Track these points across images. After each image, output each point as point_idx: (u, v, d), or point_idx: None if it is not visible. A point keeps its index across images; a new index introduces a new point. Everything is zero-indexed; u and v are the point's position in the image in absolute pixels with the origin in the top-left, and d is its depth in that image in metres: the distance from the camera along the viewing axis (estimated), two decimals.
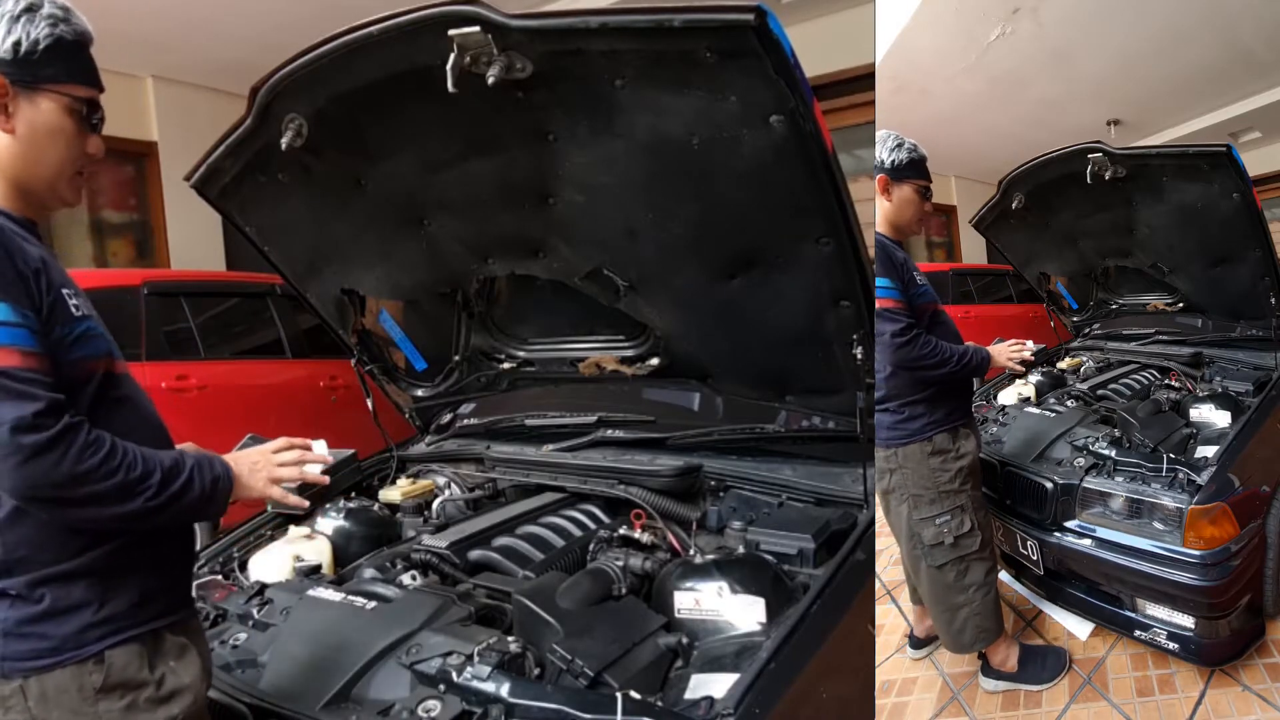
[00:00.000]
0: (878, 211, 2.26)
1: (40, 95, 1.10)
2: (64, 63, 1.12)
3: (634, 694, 1.22)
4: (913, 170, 2.24)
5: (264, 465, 1.19)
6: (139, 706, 1.04)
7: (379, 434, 2.34)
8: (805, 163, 1.49)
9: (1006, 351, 2.36)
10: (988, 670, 2.36)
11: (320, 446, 1.66)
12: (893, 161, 2.23)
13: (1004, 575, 2.90)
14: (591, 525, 1.93)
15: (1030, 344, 2.41)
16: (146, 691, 1.05)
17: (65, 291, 1.07)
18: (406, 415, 2.50)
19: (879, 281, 2.04)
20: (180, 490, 1.06)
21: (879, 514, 2.10)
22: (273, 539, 1.91)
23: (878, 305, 1.99)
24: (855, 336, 1.77)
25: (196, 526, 1.32)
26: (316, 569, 1.76)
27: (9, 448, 0.93)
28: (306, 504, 1.24)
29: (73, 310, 1.07)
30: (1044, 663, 2.38)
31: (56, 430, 0.95)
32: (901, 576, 3.06)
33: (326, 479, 1.28)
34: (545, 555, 1.77)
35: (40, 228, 1.15)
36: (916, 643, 2.60)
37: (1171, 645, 2.25)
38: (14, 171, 1.11)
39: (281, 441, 1.24)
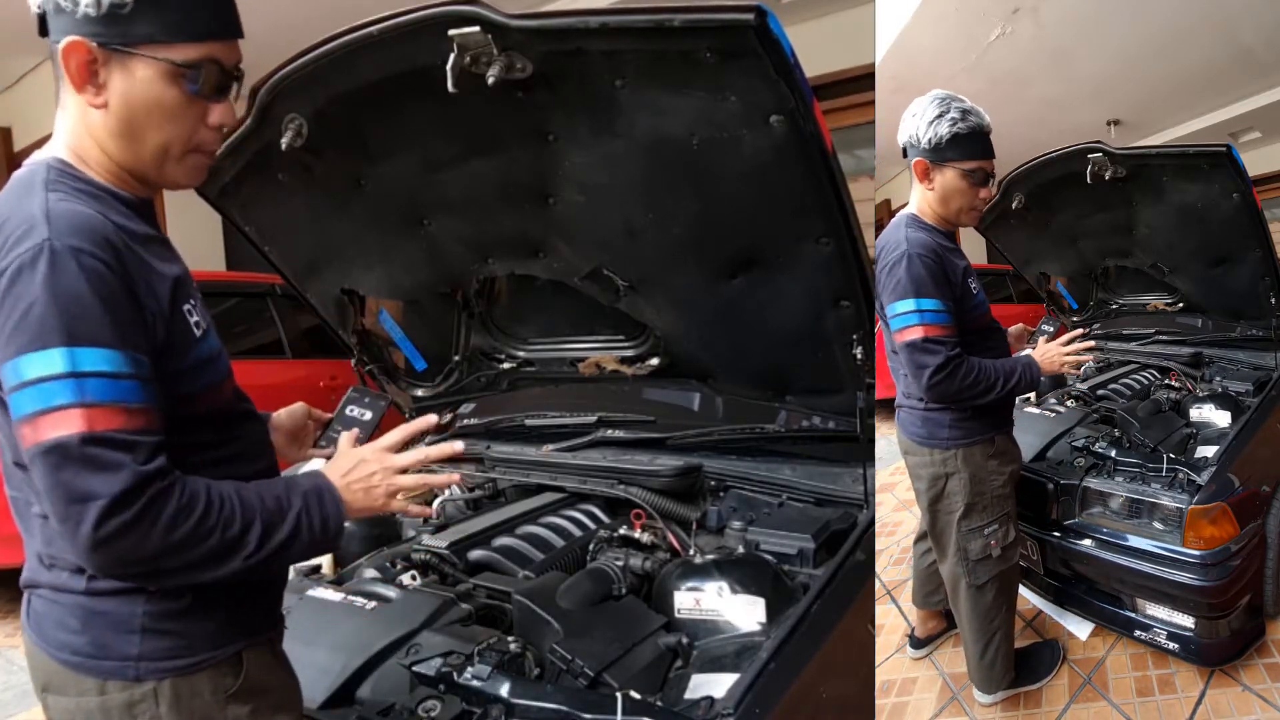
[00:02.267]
0: (917, 199, 1.99)
1: (135, 61, 0.92)
2: (160, 15, 0.91)
3: (634, 694, 1.22)
4: (957, 149, 1.89)
5: (381, 478, 1.03)
6: (261, 713, 0.99)
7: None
8: (805, 163, 1.49)
9: (1060, 355, 2.05)
10: None
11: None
12: (931, 139, 1.87)
13: None
14: (591, 525, 1.93)
15: (1091, 344, 2.09)
16: (270, 697, 1.01)
17: (188, 307, 0.95)
18: (406, 415, 2.50)
19: (928, 304, 1.85)
20: (284, 543, 0.93)
21: (882, 512, 2.08)
22: None
23: (921, 333, 1.85)
24: (855, 336, 1.77)
25: None
26: (316, 569, 1.76)
27: (88, 529, 0.82)
28: (432, 512, 1.12)
29: (195, 331, 0.95)
30: (1038, 660, 2.36)
31: (141, 505, 0.83)
32: (901, 577, 3.07)
33: (456, 476, 1.13)
34: (545, 555, 1.76)
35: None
36: (917, 643, 2.60)
37: (1171, 645, 2.25)
38: (114, 150, 0.96)
39: (399, 435, 1.08)
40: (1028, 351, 2.09)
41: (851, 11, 4.28)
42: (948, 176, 1.93)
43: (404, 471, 1.05)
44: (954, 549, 2.08)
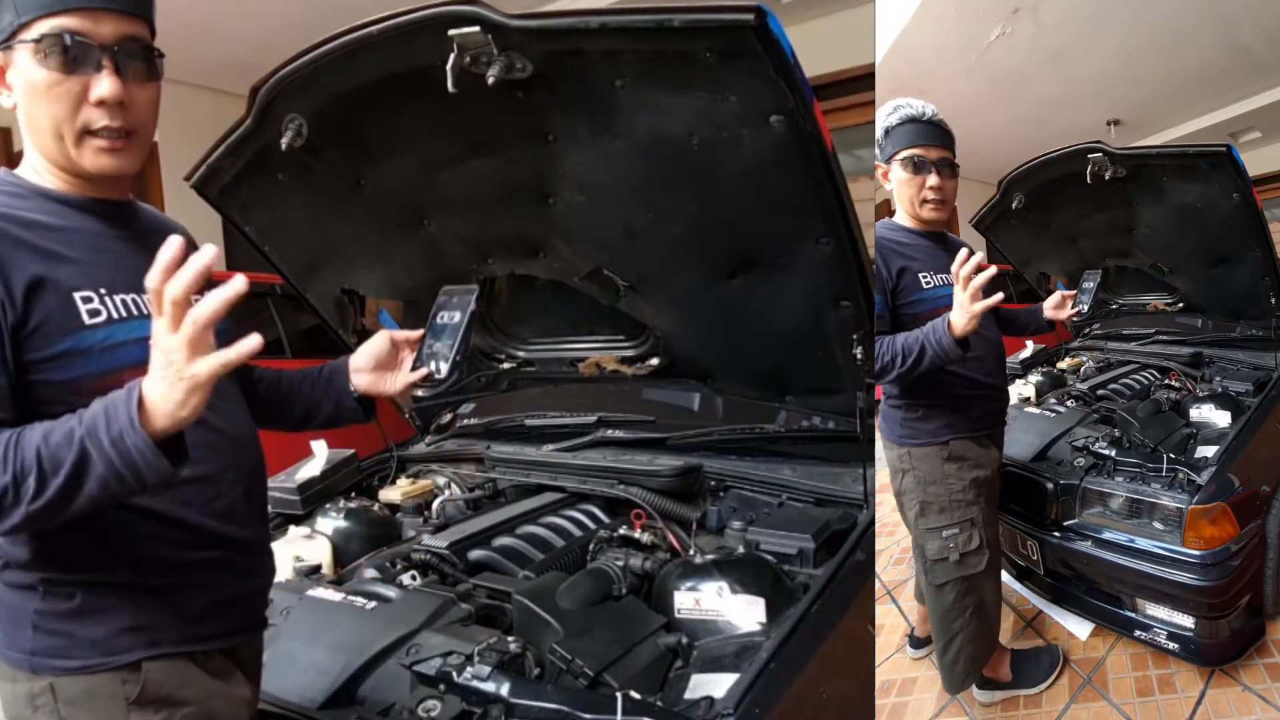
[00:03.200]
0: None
1: (14, 52, 0.94)
2: (14, 2, 0.93)
3: (634, 694, 1.22)
4: (895, 141, 1.92)
5: (166, 349, 0.77)
6: None
7: (379, 434, 2.34)
8: (805, 163, 1.49)
9: (963, 304, 1.69)
10: (982, 682, 2.32)
11: (320, 447, 1.62)
12: (879, 141, 1.92)
13: (1004, 575, 2.90)
14: (591, 525, 1.93)
15: (978, 254, 1.71)
16: (186, 710, 0.97)
17: (85, 294, 0.93)
18: (406, 415, 2.50)
19: None
20: (71, 478, 0.80)
21: (882, 512, 2.08)
22: (272, 539, 1.91)
23: None
24: (855, 336, 1.77)
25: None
26: (316, 569, 1.77)
27: None
28: (255, 345, 0.79)
29: (84, 317, 0.93)
30: (1037, 664, 2.35)
31: None
32: (901, 577, 3.07)
33: (242, 285, 0.77)
34: (545, 555, 1.77)
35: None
36: (917, 642, 2.59)
37: (1171, 645, 2.25)
38: (36, 150, 0.97)
39: (159, 298, 0.77)
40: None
41: (851, 11, 4.28)
42: (894, 170, 1.97)
43: (173, 324, 0.77)
44: (914, 545, 2.12)
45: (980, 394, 2.05)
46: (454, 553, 1.73)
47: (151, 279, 0.77)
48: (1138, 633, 2.32)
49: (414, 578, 1.63)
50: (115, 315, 0.95)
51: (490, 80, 1.43)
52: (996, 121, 5.44)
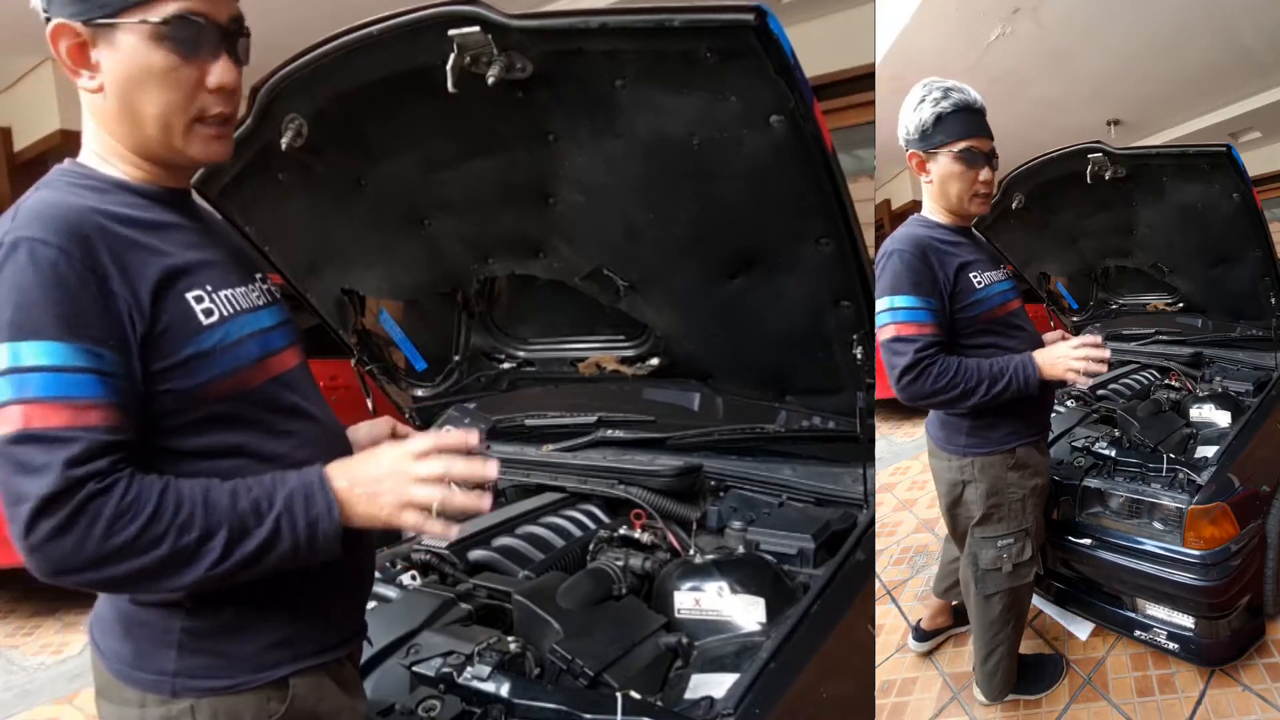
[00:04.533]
0: (924, 197, 1.91)
1: (118, 32, 0.86)
2: None
3: (634, 694, 1.22)
4: (944, 130, 1.79)
5: (392, 485, 0.87)
6: None
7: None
8: (805, 163, 1.49)
9: (1066, 358, 1.78)
10: None
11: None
12: (917, 127, 1.79)
13: None
14: (591, 525, 1.93)
15: (1107, 353, 1.80)
16: None
17: (196, 294, 0.88)
18: (406, 415, 2.50)
19: (901, 300, 1.76)
20: (258, 550, 0.83)
21: (882, 512, 2.07)
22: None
23: (894, 331, 1.76)
24: (855, 336, 1.77)
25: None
26: None
27: (20, 532, 0.77)
28: (454, 533, 0.91)
29: (200, 318, 0.87)
30: (1040, 672, 2.34)
31: (71, 509, 0.76)
32: (901, 577, 3.07)
33: (486, 504, 0.90)
34: (545, 555, 1.77)
35: None
36: (921, 635, 2.55)
37: (1171, 645, 2.25)
38: (121, 135, 0.90)
39: (426, 442, 0.90)
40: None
41: (851, 11, 4.28)
42: (941, 162, 1.83)
43: (423, 481, 0.88)
44: (967, 553, 2.05)
45: (1040, 402, 1.99)
46: (454, 553, 1.73)
47: (443, 440, 0.90)
48: (1138, 633, 2.32)
49: (414, 578, 1.63)
50: (225, 312, 0.90)
51: (490, 80, 1.43)
52: (996, 121, 5.40)
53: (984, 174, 1.86)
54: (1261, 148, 6.37)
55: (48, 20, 0.88)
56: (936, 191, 1.88)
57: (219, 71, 0.90)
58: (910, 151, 1.86)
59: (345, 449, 1.03)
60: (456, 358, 2.38)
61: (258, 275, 1.01)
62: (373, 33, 1.49)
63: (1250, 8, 4.20)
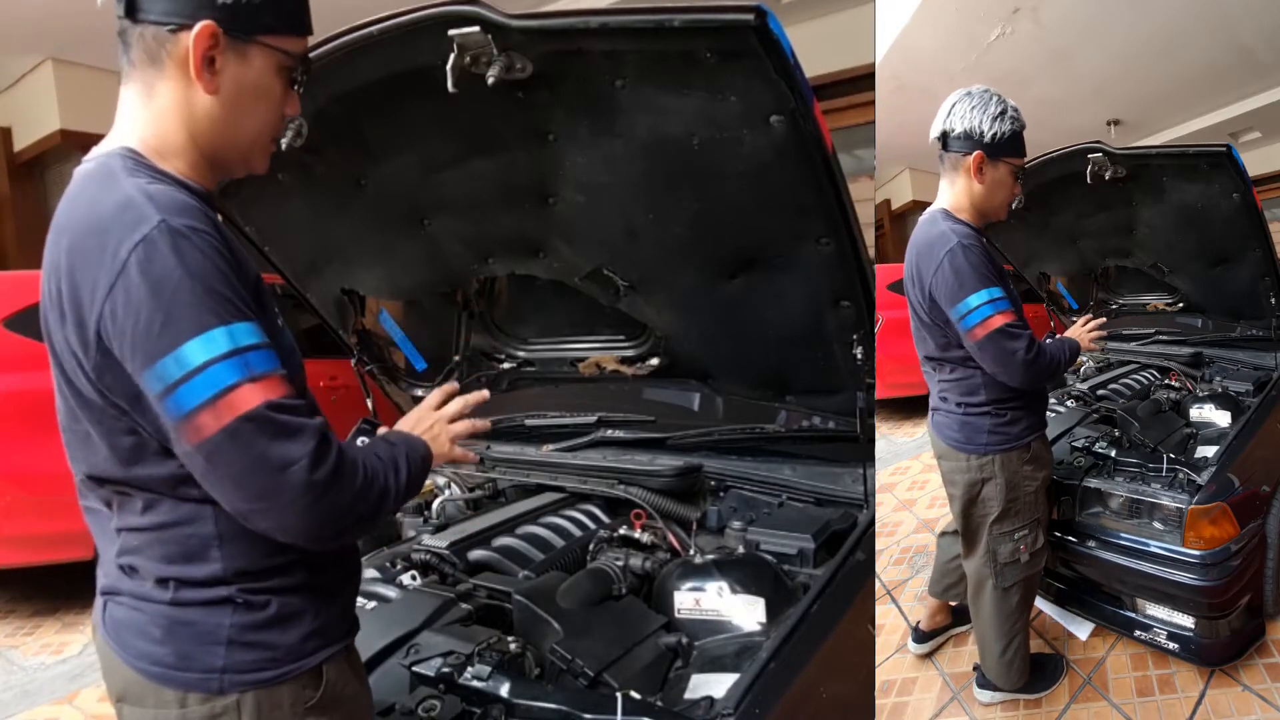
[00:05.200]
0: (956, 194, 1.97)
1: (253, 50, 0.93)
2: (282, 8, 0.95)
3: (634, 694, 1.22)
4: (1013, 146, 1.95)
5: (440, 429, 1.11)
6: None
7: None
8: (805, 163, 1.49)
9: (1085, 335, 2.15)
10: (983, 681, 2.31)
11: None
12: (994, 135, 1.91)
13: None
14: (591, 525, 1.93)
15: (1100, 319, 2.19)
16: (346, 708, 0.99)
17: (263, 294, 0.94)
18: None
19: (997, 291, 1.86)
20: (407, 485, 0.97)
21: (882, 512, 2.07)
22: None
23: (1002, 320, 1.85)
24: (855, 336, 1.77)
25: None
26: None
27: (299, 490, 0.83)
28: (477, 457, 1.18)
29: (276, 317, 0.94)
30: (1041, 671, 2.34)
31: (334, 459, 0.86)
32: (901, 577, 3.07)
33: (488, 424, 1.21)
34: (545, 555, 1.77)
35: None
36: (921, 636, 2.56)
37: (1171, 645, 2.25)
38: (210, 138, 0.95)
39: (436, 396, 1.16)
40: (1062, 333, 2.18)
41: (851, 11, 4.28)
42: (1001, 172, 1.96)
43: (453, 421, 1.13)
44: (983, 550, 2.09)
45: (1041, 395, 2.12)
46: (454, 553, 1.73)
47: (451, 385, 1.19)
48: (1138, 633, 2.32)
49: (414, 578, 1.63)
50: (279, 315, 0.96)
51: (490, 80, 1.43)
52: None
53: (1018, 189, 2.05)
54: (1261, 148, 6.37)
55: (131, 11, 0.91)
56: (984, 195, 1.97)
57: (295, 102, 1.01)
58: (976, 152, 1.93)
59: None
60: (456, 358, 2.38)
61: None
62: (373, 33, 1.49)
63: (1250, 8, 4.21)
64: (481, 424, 1.17)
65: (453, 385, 1.18)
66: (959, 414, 2.05)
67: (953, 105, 1.96)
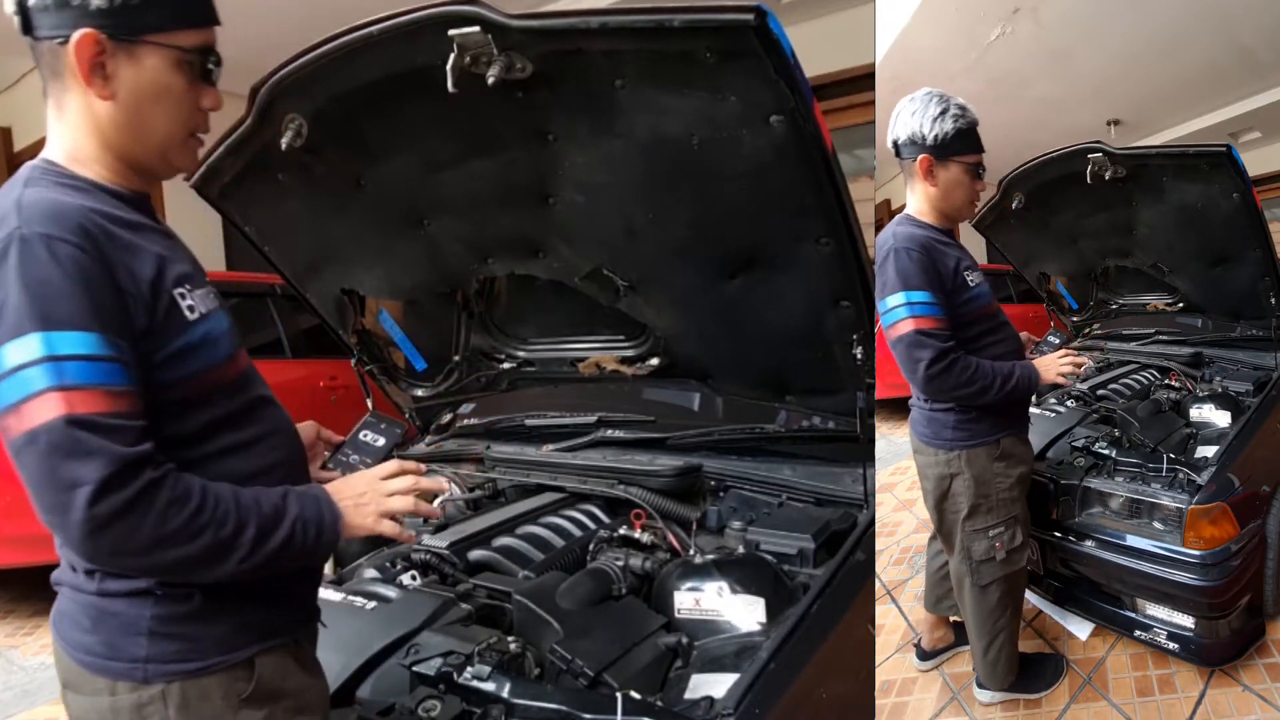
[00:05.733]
0: (916, 198, 2.00)
1: (143, 50, 0.93)
2: (167, 4, 0.94)
3: (634, 694, 1.22)
4: (961, 144, 1.93)
5: (372, 499, 1.03)
6: (276, 717, 0.97)
7: None
8: (805, 163, 1.49)
9: (1056, 365, 2.04)
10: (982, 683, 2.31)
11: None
12: (937, 136, 1.90)
13: None
14: (591, 525, 1.93)
15: (1087, 361, 2.09)
16: (287, 701, 0.99)
17: (179, 291, 0.94)
18: (406, 415, 2.50)
19: (917, 296, 1.86)
20: (278, 548, 0.92)
21: (882, 512, 2.07)
22: None
23: (913, 326, 1.84)
24: (855, 336, 1.77)
25: None
26: None
27: (79, 516, 0.81)
28: (411, 536, 1.10)
29: (186, 314, 0.94)
30: (1040, 671, 2.34)
31: (135, 491, 0.82)
32: (901, 577, 3.07)
33: (438, 512, 1.15)
34: (545, 555, 1.76)
35: None
36: (923, 654, 2.54)
37: (1171, 645, 2.25)
38: (120, 142, 0.95)
39: (392, 466, 1.08)
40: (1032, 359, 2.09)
41: (851, 11, 4.28)
42: (952, 172, 1.95)
43: (394, 495, 1.05)
44: (959, 548, 2.08)
45: None
46: (454, 553, 1.73)
47: (411, 464, 1.09)
48: (1138, 633, 2.32)
49: (414, 578, 1.63)
50: (202, 310, 0.96)
51: (490, 80, 1.43)
52: (996, 121, 5.41)
53: (979, 185, 2.02)
54: (1261, 148, 6.37)
55: (28, 29, 0.93)
56: (939, 196, 1.98)
57: (213, 96, 1.00)
58: (922, 156, 1.94)
59: (299, 440, 1.12)
60: (456, 358, 2.38)
61: (206, 279, 1.08)
62: (372, 33, 1.49)
63: (1250, 8, 4.21)
64: (428, 509, 1.12)
65: (416, 466, 1.10)
66: (926, 409, 2.07)
67: (898, 113, 1.97)
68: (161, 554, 0.85)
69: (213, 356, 0.96)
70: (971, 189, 2.00)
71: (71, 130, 0.96)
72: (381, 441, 1.28)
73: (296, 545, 0.94)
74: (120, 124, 0.95)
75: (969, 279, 1.97)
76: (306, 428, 1.25)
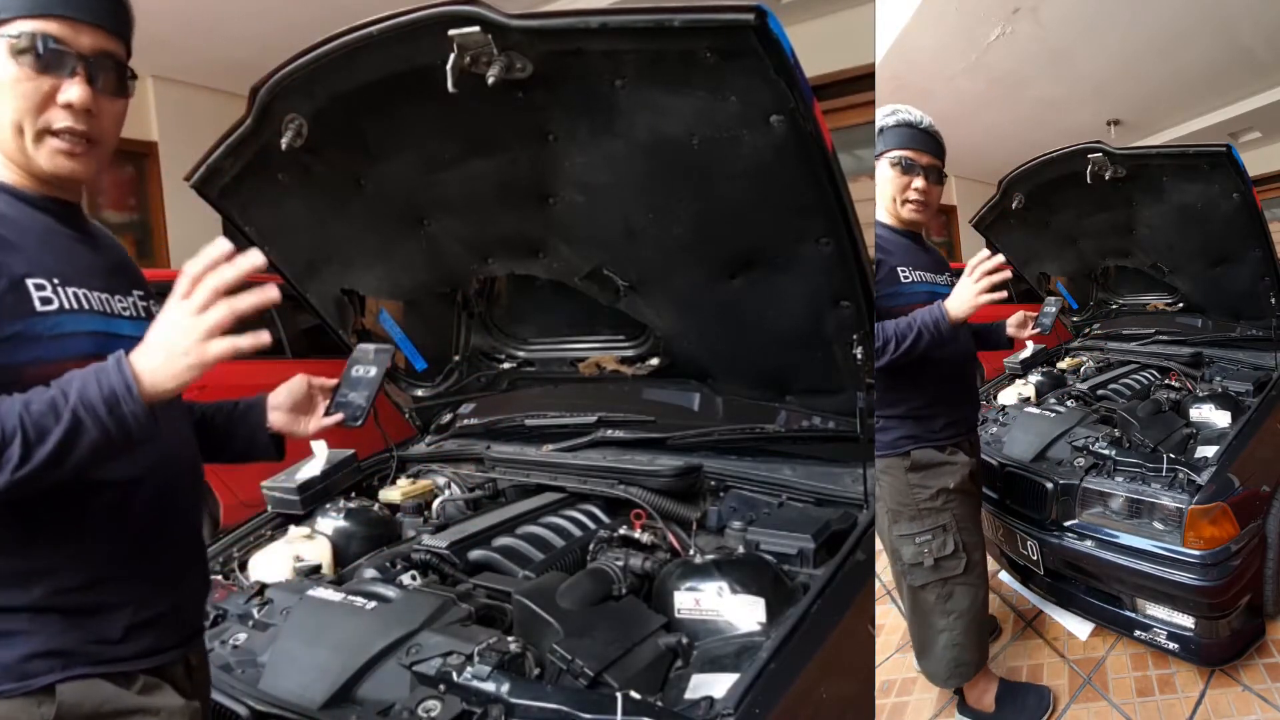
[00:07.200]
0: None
1: None
2: None
3: (634, 694, 1.21)
4: (888, 139, 1.99)
5: (184, 328, 0.86)
6: None
7: (379, 434, 2.34)
8: (805, 163, 1.49)
9: (971, 291, 1.78)
10: (964, 708, 2.26)
11: (320, 447, 1.64)
12: (877, 137, 2.01)
13: (1004, 575, 2.90)
14: (591, 525, 1.93)
15: (1006, 271, 1.79)
16: None
17: (34, 283, 0.93)
18: (406, 415, 2.50)
19: None
20: (62, 444, 0.83)
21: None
22: (273, 539, 1.91)
23: None
24: (855, 336, 1.77)
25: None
26: (316, 569, 1.76)
27: None
28: (265, 340, 0.89)
29: (35, 304, 0.93)
30: (1024, 703, 2.26)
31: None
32: None
33: (275, 294, 0.90)
34: (545, 555, 1.77)
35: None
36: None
37: (1171, 645, 2.25)
38: None
39: (186, 280, 0.88)
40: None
41: (851, 11, 4.28)
42: (882, 167, 2.03)
43: (205, 308, 0.87)
44: (888, 549, 2.10)
45: (943, 406, 2.05)
46: (454, 553, 1.73)
47: (194, 267, 0.87)
48: (1138, 633, 2.32)
49: (414, 578, 1.63)
50: (66, 306, 0.95)
51: (490, 80, 1.43)
52: (996, 121, 5.44)
53: (917, 183, 2.03)
54: (1261, 148, 6.36)
55: None
56: (879, 193, 2.06)
57: (68, 90, 0.97)
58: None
59: (177, 467, 1.06)
60: (456, 358, 2.38)
61: (137, 293, 1.07)
62: (372, 33, 1.49)
63: (1250, 8, 4.21)
64: (251, 341, 0.88)
65: (218, 252, 0.88)
66: None
67: None
68: None
69: (56, 351, 0.93)
70: (899, 183, 2.02)
71: None
72: (374, 371, 1.27)
73: (91, 433, 0.83)
74: None
75: (903, 274, 1.99)
76: (295, 382, 1.25)
